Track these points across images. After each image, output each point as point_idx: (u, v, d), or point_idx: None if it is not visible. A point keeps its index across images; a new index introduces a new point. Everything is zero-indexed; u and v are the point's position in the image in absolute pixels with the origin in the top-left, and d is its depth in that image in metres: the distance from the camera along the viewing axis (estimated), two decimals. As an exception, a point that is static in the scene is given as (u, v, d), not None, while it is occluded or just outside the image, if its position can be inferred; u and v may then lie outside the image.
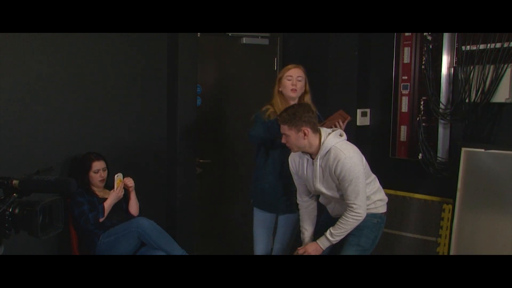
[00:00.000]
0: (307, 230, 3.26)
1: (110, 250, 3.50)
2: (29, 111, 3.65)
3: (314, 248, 3.11)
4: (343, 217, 3.01)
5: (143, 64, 4.08)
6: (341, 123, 3.35)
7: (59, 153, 3.75)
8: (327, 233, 3.06)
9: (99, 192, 3.69)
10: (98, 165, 3.66)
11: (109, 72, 3.94)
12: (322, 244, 3.09)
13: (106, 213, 3.56)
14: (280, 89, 3.41)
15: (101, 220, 3.55)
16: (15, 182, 1.77)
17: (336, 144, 2.99)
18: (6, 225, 1.72)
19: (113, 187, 3.64)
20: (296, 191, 3.33)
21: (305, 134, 2.97)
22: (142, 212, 3.85)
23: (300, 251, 3.16)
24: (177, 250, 3.57)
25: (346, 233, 3.04)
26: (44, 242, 3.55)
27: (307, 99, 3.43)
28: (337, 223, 3.03)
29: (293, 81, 3.36)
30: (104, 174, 3.69)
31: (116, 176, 3.64)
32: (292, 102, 3.35)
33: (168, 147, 4.21)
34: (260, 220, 3.55)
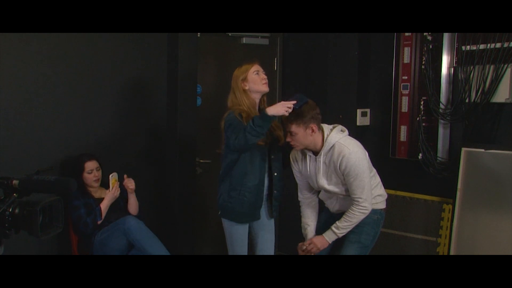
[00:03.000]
0: (310, 225, 3.26)
1: (103, 248, 3.50)
2: (29, 111, 3.65)
3: (320, 241, 3.12)
4: (349, 210, 3.01)
5: (143, 64, 4.08)
6: None
7: (59, 153, 3.75)
8: (333, 227, 3.06)
9: (95, 192, 3.68)
10: (91, 165, 3.65)
11: (109, 72, 3.95)
12: (329, 237, 3.09)
13: (103, 215, 3.56)
14: (246, 88, 3.19)
15: (99, 222, 3.54)
16: (15, 182, 1.77)
17: (340, 139, 3.00)
18: (6, 225, 1.72)
19: (109, 187, 3.62)
20: (274, 196, 3.28)
21: (312, 131, 2.97)
22: (142, 212, 3.85)
23: (306, 245, 3.16)
24: (160, 252, 3.50)
25: (352, 227, 3.05)
26: (44, 242, 3.56)
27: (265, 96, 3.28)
28: (344, 216, 3.04)
29: (261, 74, 3.21)
30: (98, 174, 3.68)
31: (111, 176, 3.62)
32: (258, 98, 3.21)
33: (168, 147, 4.21)
34: (240, 235, 3.29)
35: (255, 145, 3.07)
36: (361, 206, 2.98)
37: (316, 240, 3.14)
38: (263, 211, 3.30)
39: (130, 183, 3.72)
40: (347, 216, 3.03)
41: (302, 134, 2.97)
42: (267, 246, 3.37)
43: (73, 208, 3.52)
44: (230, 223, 3.30)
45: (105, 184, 3.71)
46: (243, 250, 3.32)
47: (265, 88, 3.23)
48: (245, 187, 3.19)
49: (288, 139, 3.03)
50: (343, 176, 3.00)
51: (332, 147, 3.00)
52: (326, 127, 3.06)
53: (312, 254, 3.15)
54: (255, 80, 3.20)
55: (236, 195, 3.21)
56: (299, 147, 3.06)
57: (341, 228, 3.05)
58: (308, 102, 3.01)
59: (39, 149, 3.68)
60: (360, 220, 3.03)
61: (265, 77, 3.23)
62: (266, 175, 3.24)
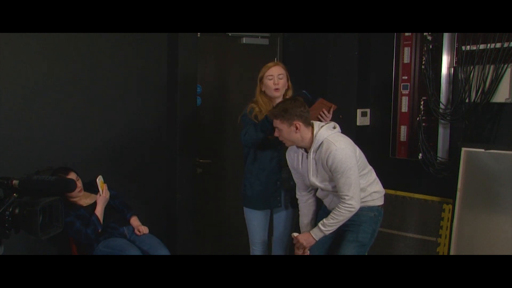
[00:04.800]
0: (305, 223, 3.27)
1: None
2: (29, 111, 3.65)
3: (305, 238, 3.12)
4: (336, 208, 3.02)
5: (143, 64, 4.08)
6: (326, 112, 3.31)
7: (58, 153, 3.75)
8: (320, 224, 3.07)
9: (82, 201, 3.55)
10: (71, 177, 3.44)
11: (109, 72, 3.94)
12: (315, 234, 3.09)
13: (101, 220, 3.48)
14: (262, 89, 3.38)
15: (100, 230, 3.47)
16: (15, 182, 1.77)
17: (328, 136, 3.01)
18: (6, 225, 1.72)
19: (98, 191, 3.53)
20: (288, 189, 3.40)
21: (297, 128, 3.00)
22: (143, 213, 3.84)
23: (294, 239, 3.18)
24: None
25: (339, 224, 3.04)
26: (44, 242, 3.55)
27: (290, 95, 3.40)
28: (331, 214, 3.04)
29: (275, 80, 3.33)
30: (80, 183, 3.51)
31: (97, 180, 3.52)
32: (277, 101, 3.33)
33: (168, 147, 4.21)
34: (254, 220, 3.51)
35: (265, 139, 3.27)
36: (347, 203, 2.98)
37: (301, 237, 3.15)
38: (283, 200, 3.46)
39: (145, 230, 3.64)
40: (333, 214, 3.02)
41: (286, 131, 3.01)
42: (278, 230, 3.54)
43: (67, 226, 3.32)
44: (246, 209, 3.52)
45: (88, 189, 3.60)
46: (256, 235, 3.52)
47: (275, 94, 3.36)
48: (255, 176, 3.40)
49: (276, 135, 3.08)
50: (330, 172, 3.00)
51: (321, 144, 3.01)
52: (316, 124, 3.08)
53: (302, 253, 3.15)
54: (267, 85, 3.36)
55: (248, 183, 3.44)
56: (287, 144, 3.11)
57: (327, 225, 3.04)
58: (298, 99, 3.07)
59: (39, 149, 3.68)
60: (347, 218, 3.03)
61: (279, 82, 3.34)
62: (278, 165, 3.37)
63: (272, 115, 3.04)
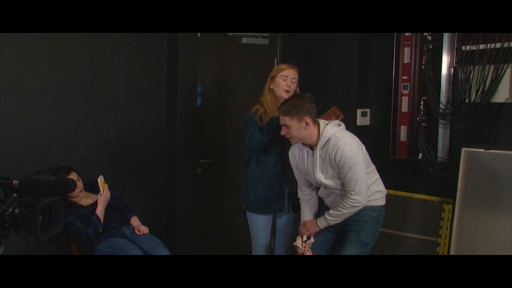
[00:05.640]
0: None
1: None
2: (29, 111, 3.66)
3: (311, 223, 3.20)
4: (343, 201, 3.04)
5: (143, 64, 4.09)
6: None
7: (58, 153, 3.75)
8: (326, 213, 3.12)
9: (82, 201, 3.55)
10: (72, 178, 3.44)
11: (109, 72, 3.95)
12: (320, 223, 3.15)
13: (102, 220, 3.49)
14: (271, 87, 3.37)
15: (100, 230, 3.47)
16: (15, 182, 1.77)
17: (335, 133, 3.02)
18: (6, 225, 1.72)
19: (99, 191, 3.53)
20: (291, 192, 3.40)
21: (306, 124, 3.00)
22: (143, 213, 3.84)
23: (301, 227, 3.25)
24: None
25: (343, 217, 3.07)
26: (44, 242, 3.55)
27: None
28: (337, 206, 3.08)
29: (288, 82, 3.33)
30: (80, 183, 3.52)
31: (98, 179, 3.53)
32: (281, 100, 3.30)
33: (168, 147, 4.21)
34: (259, 224, 3.50)
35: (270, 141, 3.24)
36: (352, 198, 2.99)
37: (308, 223, 3.22)
38: (286, 205, 3.46)
39: (145, 230, 3.65)
40: (340, 206, 3.06)
41: (296, 127, 3.00)
42: (281, 233, 3.53)
43: (67, 226, 3.33)
44: (249, 214, 3.50)
45: (88, 189, 3.60)
46: (260, 238, 3.51)
47: (284, 95, 3.34)
48: (259, 180, 3.38)
49: (283, 133, 3.07)
50: (338, 168, 3.01)
51: (328, 140, 3.02)
52: (322, 121, 3.09)
53: (303, 252, 3.18)
54: (279, 84, 3.35)
55: (251, 188, 3.41)
56: (294, 141, 3.10)
57: (332, 215, 3.09)
58: (305, 96, 3.08)
59: (39, 149, 3.68)
60: (351, 213, 3.05)
61: (291, 85, 3.35)
62: (282, 169, 3.36)
63: (282, 112, 3.03)
